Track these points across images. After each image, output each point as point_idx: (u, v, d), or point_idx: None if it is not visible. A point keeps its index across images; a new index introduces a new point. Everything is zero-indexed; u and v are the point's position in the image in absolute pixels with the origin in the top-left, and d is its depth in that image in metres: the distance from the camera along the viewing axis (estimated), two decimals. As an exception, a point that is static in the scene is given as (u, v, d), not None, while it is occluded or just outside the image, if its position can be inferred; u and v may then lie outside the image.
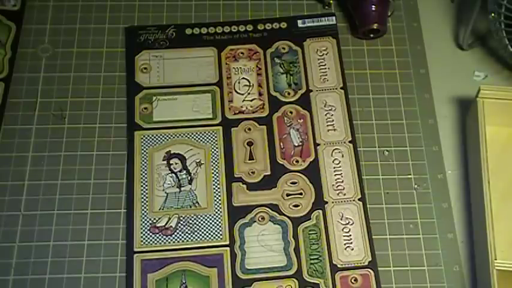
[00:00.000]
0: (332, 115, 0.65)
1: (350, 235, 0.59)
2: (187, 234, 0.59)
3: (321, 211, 0.60)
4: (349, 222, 0.59)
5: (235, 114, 0.65)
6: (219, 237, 0.59)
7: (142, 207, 0.60)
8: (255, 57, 0.68)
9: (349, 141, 0.64)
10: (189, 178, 0.61)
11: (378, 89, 0.67)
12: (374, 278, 0.57)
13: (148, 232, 0.59)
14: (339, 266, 0.58)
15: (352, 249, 0.58)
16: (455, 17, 0.73)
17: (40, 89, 0.66)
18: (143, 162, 0.62)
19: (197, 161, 0.62)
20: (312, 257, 0.58)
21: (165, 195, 0.61)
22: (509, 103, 0.62)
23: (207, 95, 0.66)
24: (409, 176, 0.63)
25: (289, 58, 0.68)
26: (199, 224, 0.59)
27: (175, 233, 0.59)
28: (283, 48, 0.69)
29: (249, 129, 0.64)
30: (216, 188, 0.61)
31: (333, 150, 0.63)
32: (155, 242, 0.58)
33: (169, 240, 0.58)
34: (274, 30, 0.70)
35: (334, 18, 0.71)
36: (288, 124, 0.65)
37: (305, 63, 0.68)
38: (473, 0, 0.69)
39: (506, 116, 0.63)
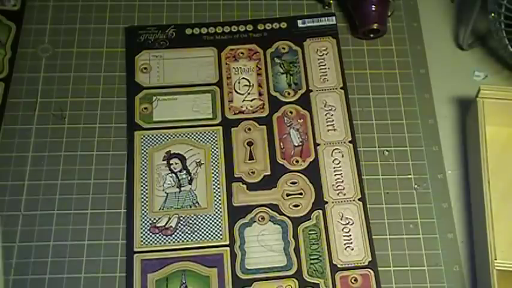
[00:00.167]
0: (332, 115, 0.65)
1: (350, 235, 0.59)
2: (187, 234, 0.59)
3: (321, 211, 0.60)
4: (349, 222, 0.59)
5: (235, 114, 0.65)
6: (219, 237, 0.59)
7: (142, 207, 0.60)
8: (255, 57, 0.68)
9: (349, 141, 0.64)
10: (189, 178, 0.61)
11: (378, 89, 0.67)
12: (374, 278, 0.57)
13: (148, 232, 0.59)
14: (339, 266, 0.58)
15: (352, 249, 0.58)
16: (455, 17, 0.73)
17: (40, 89, 0.66)
18: (143, 162, 0.62)
19: (197, 161, 0.62)
20: (312, 257, 0.58)
21: (165, 195, 0.61)
22: (509, 103, 0.62)
23: (207, 95, 0.66)
24: (409, 176, 0.63)
25: (289, 58, 0.68)
26: (199, 224, 0.59)
27: (175, 233, 0.59)
28: (283, 48, 0.69)
29: (249, 129, 0.64)
30: (216, 188, 0.61)
31: (333, 150, 0.63)
32: (155, 242, 0.58)
33: (169, 240, 0.58)
34: (274, 30, 0.70)
35: (334, 18, 0.71)
36: (288, 124, 0.65)
37: (305, 63, 0.68)
38: (473, 0, 0.69)
39: (506, 116, 0.63)
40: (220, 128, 0.64)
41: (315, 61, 0.68)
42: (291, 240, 0.59)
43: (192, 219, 0.59)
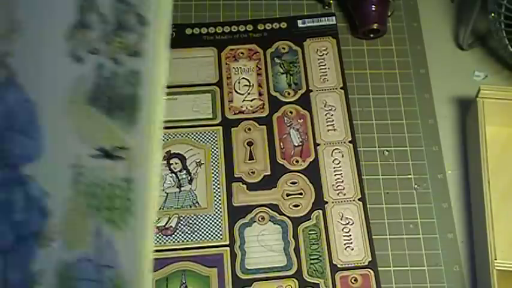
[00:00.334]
0: (332, 115, 0.65)
1: (350, 235, 0.59)
2: (187, 234, 0.59)
3: (321, 211, 0.60)
4: (349, 222, 0.59)
5: (235, 114, 0.65)
6: (219, 237, 0.59)
7: (142, 207, 0.60)
8: (255, 57, 0.68)
9: (349, 141, 0.64)
10: (189, 178, 0.61)
11: (378, 89, 0.67)
12: (374, 278, 0.57)
13: (148, 232, 0.59)
14: (339, 266, 0.58)
15: (352, 249, 0.58)
16: (455, 17, 0.73)
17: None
18: (143, 162, 0.62)
19: (197, 161, 0.62)
20: (312, 257, 0.58)
21: (165, 195, 0.61)
22: (509, 103, 0.62)
23: (207, 95, 0.66)
24: (409, 176, 0.63)
25: (289, 58, 0.68)
26: (199, 224, 0.59)
27: (175, 233, 0.59)
28: (283, 48, 0.69)
29: (249, 129, 0.64)
30: (216, 188, 0.61)
31: (333, 150, 0.63)
32: (155, 242, 0.58)
33: (169, 240, 0.58)
34: (274, 30, 0.70)
35: (334, 18, 0.71)
36: (288, 124, 0.65)
37: (305, 63, 0.68)
38: (473, 0, 0.69)
39: (506, 116, 0.63)
40: (220, 128, 0.64)
41: (315, 61, 0.68)
42: (291, 240, 0.59)
43: (192, 219, 0.59)
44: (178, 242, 0.58)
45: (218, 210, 0.60)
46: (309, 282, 0.57)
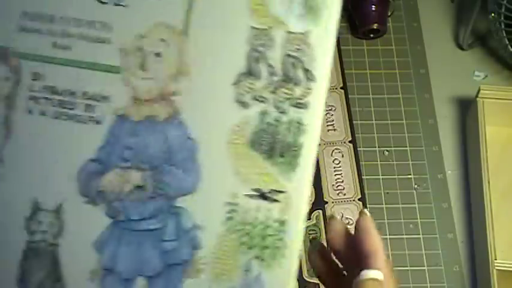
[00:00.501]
0: (332, 115, 0.65)
1: (350, 235, 0.59)
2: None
3: (321, 211, 0.60)
4: (349, 222, 0.59)
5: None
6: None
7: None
8: (255, 57, 0.68)
9: (349, 141, 0.64)
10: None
11: (378, 89, 0.67)
12: (374, 278, 0.57)
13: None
14: (339, 266, 0.58)
15: (352, 249, 0.58)
16: (455, 17, 0.73)
17: None
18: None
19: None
20: (312, 257, 0.58)
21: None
22: (509, 103, 0.62)
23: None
24: (409, 176, 0.63)
25: (289, 58, 0.68)
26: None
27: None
28: (283, 48, 0.69)
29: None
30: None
31: (333, 150, 0.63)
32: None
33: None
34: (274, 30, 0.70)
35: (334, 18, 0.71)
36: (288, 124, 0.64)
37: (305, 63, 0.68)
38: (473, 0, 0.69)
39: (506, 116, 0.63)
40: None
41: (315, 61, 0.68)
42: (291, 240, 0.59)
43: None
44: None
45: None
46: (309, 282, 0.57)
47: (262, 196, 0.32)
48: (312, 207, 0.60)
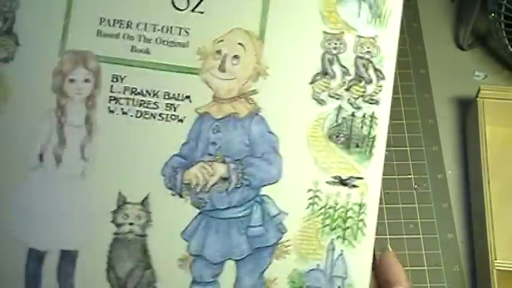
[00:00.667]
0: (332, 115, 0.65)
1: (350, 235, 0.59)
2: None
3: (321, 211, 0.60)
4: (349, 222, 0.60)
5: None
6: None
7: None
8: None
9: (349, 141, 0.64)
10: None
11: (378, 89, 0.67)
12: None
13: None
14: (339, 266, 0.58)
15: (352, 249, 0.58)
16: (455, 17, 0.73)
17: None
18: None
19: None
20: (312, 257, 0.58)
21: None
22: (509, 103, 0.62)
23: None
24: (409, 176, 0.63)
25: (289, 58, 0.68)
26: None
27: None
28: (283, 48, 0.69)
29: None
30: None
31: (333, 150, 0.63)
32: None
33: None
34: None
35: (334, 18, 0.71)
36: (288, 124, 0.65)
37: (305, 63, 0.68)
38: (473, 0, 0.69)
39: (506, 116, 0.63)
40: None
41: (315, 61, 0.68)
42: (291, 240, 0.59)
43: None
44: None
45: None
46: (309, 282, 0.57)
47: (342, 182, 0.36)
48: (312, 207, 0.60)
